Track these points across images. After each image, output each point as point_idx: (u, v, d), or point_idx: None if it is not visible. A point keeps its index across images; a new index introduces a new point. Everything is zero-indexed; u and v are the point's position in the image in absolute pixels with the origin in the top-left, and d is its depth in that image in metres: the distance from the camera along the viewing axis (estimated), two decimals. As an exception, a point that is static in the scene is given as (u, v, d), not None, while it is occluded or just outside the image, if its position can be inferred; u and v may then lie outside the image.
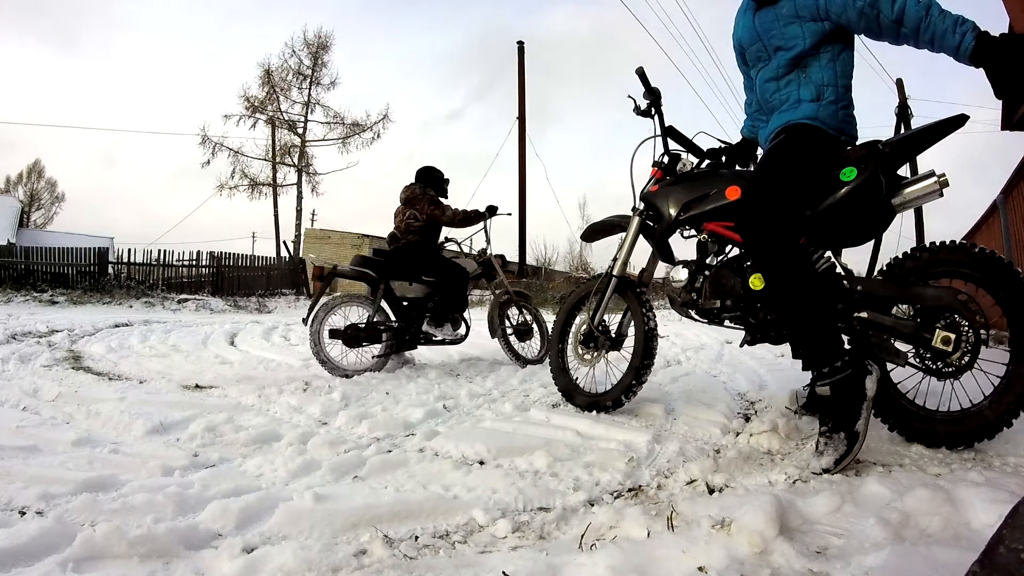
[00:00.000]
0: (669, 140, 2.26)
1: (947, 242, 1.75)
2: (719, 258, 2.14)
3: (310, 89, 20.41)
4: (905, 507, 1.28)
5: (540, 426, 2.24)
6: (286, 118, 20.25)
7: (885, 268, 1.83)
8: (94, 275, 11.93)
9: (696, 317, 2.14)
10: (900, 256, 1.81)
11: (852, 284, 1.80)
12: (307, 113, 20.48)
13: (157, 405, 2.55)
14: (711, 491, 1.55)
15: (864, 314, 1.76)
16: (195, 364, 3.93)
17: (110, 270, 12.32)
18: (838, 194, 1.78)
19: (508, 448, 1.92)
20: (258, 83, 20.02)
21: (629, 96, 2.25)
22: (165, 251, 12.93)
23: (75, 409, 2.45)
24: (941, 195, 1.74)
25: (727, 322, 2.09)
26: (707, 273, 2.11)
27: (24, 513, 1.39)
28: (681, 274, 2.26)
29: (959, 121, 1.71)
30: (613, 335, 2.44)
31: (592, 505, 1.49)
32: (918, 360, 1.72)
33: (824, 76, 1.81)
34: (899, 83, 10.09)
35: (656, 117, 2.25)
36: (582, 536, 1.27)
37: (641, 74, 2.21)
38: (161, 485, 1.54)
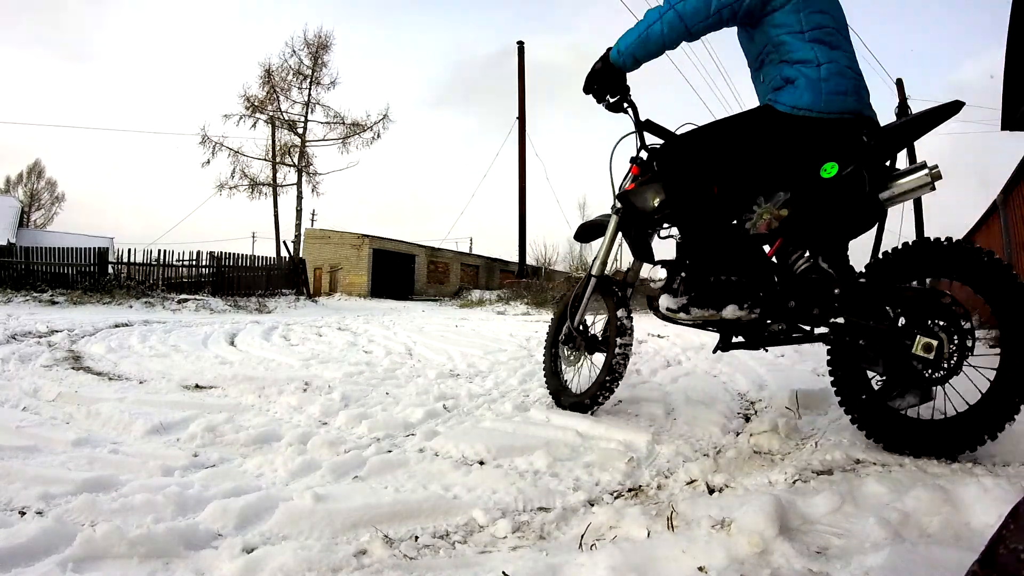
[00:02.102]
0: (647, 134, 2.10)
1: (932, 239, 1.63)
2: None
3: (310, 89, 20.43)
4: (905, 507, 1.28)
5: (540, 426, 2.24)
6: (286, 118, 20.26)
7: (867, 268, 1.71)
8: (94, 275, 11.93)
9: (673, 320, 2.00)
10: (885, 254, 1.70)
11: (832, 287, 1.65)
12: (307, 113, 20.49)
13: (157, 405, 2.55)
14: (711, 491, 1.55)
15: (840, 320, 1.66)
16: (195, 364, 3.93)
17: (110, 270, 12.32)
18: (817, 191, 1.64)
19: (508, 448, 1.92)
20: (258, 83, 20.06)
21: (590, 88, 2.03)
22: (165, 251, 12.94)
23: (75, 409, 2.45)
24: (933, 188, 1.61)
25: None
26: (684, 274, 1.94)
27: (24, 513, 1.39)
28: (660, 274, 2.12)
29: (955, 107, 1.60)
30: (598, 336, 2.39)
31: (592, 505, 1.49)
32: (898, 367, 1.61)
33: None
34: (899, 83, 10.09)
35: (630, 111, 2.07)
36: (582, 536, 1.27)
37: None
38: (161, 485, 1.54)
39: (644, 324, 6.84)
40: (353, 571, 1.15)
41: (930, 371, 1.55)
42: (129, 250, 12.68)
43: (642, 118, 2.08)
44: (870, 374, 1.75)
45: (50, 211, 39.14)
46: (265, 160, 20.20)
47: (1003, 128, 5.92)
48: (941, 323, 1.53)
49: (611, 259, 2.34)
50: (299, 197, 20.53)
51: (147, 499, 1.43)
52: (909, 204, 9.49)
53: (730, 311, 1.75)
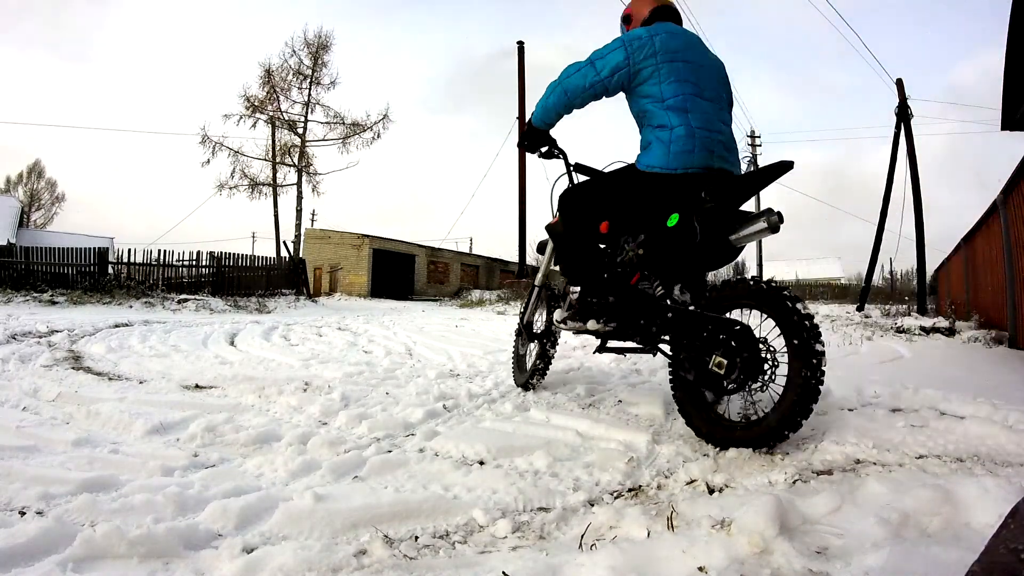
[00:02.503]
0: (575, 174, 2.46)
1: (737, 277, 2.00)
2: None
3: (310, 89, 20.42)
4: (905, 507, 1.28)
5: (540, 426, 2.24)
6: (286, 118, 20.25)
7: (702, 298, 2.03)
8: (94, 275, 11.93)
9: (561, 328, 2.51)
10: (713, 287, 2.04)
11: (665, 312, 2.03)
12: (307, 113, 20.49)
13: (157, 405, 2.55)
14: (711, 491, 1.55)
15: (666, 337, 2.09)
16: (195, 364, 3.93)
17: (110, 270, 12.32)
18: (664, 236, 1.96)
19: (508, 448, 1.92)
20: (258, 83, 20.04)
21: (523, 144, 2.39)
22: (165, 251, 12.93)
23: (75, 409, 2.45)
24: (776, 231, 1.82)
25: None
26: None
27: (24, 513, 1.39)
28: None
29: (785, 167, 1.82)
30: (537, 331, 2.92)
31: (592, 505, 1.49)
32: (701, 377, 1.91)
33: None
34: (899, 83, 10.08)
35: (560, 157, 2.44)
36: (582, 536, 1.27)
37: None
38: (161, 485, 1.54)
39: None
40: (353, 571, 1.15)
41: (726, 382, 1.83)
42: (129, 250, 12.69)
43: (572, 161, 2.47)
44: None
45: (50, 211, 39.17)
46: (265, 160, 20.20)
47: (1003, 128, 5.92)
48: (734, 346, 1.81)
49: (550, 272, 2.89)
50: (299, 197, 20.52)
51: (147, 499, 1.43)
52: (909, 204, 9.50)
53: (592, 324, 2.19)
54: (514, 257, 20.90)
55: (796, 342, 1.73)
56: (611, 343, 2.36)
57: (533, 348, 2.91)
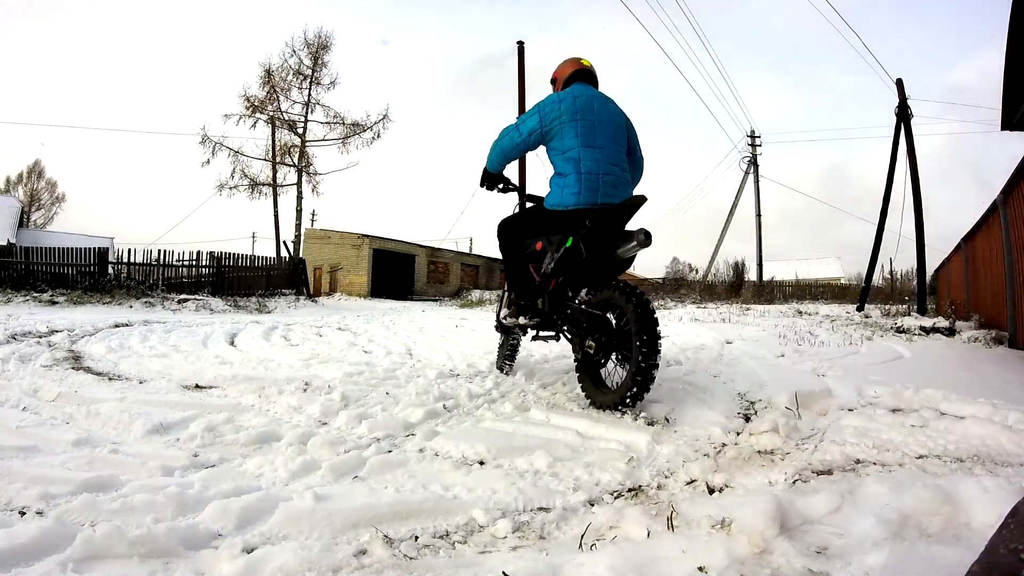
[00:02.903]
0: (527, 202, 3.09)
1: (616, 282, 2.46)
2: None
3: (310, 89, 20.41)
4: (905, 507, 1.28)
5: (540, 426, 2.24)
6: (286, 118, 20.24)
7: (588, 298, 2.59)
8: (94, 275, 11.92)
9: (501, 323, 3.25)
10: (598, 289, 2.53)
11: (566, 310, 2.68)
12: (307, 113, 20.47)
13: (157, 405, 2.55)
14: (711, 491, 1.55)
15: (562, 319, 2.73)
16: (195, 364, 3.93)
17: (110, 270, 12.32)
18: (565, 254, 2.53)
19: (508, 448, 1.92)
20: (258, 83, 20.02)
21: (482, 184, 2.95)
22: (165, 251, 12.93)
23: (75, 409, 2.45)
24: (646, 246, 2.35)
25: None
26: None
27: (24, 513, 1.39)
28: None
29: (640, 201, 2.46)
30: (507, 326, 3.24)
31: (592, 505, 1.49)
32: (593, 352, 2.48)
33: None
34: (899, 83, 10.08)
35: (514, 189, 3.04)
36: (582, 536, 1.27)
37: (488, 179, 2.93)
38: (161, 485, 1.54)
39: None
40: (353, 571, 1.15)
41: (595, 358, 2.47)
42: (129, 250, 12.68)
43: (526, 191, 3.15)
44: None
45: (50, 211, 39.15)
46: (265, 160, 20.19)
47: (1003, 128, 5.91)
48: (599, 333, 2.44)
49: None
50: (299, 197, 20.50)
51: (147, 499, 1.43)
52: (909, 205, 9.51)
53: (522, 320, 2.81)
54: (514, 257, 20.90)
55: (639, 331, 2.21)
56: (542, 332, 2.98)
57: (509, 339, 3.47)
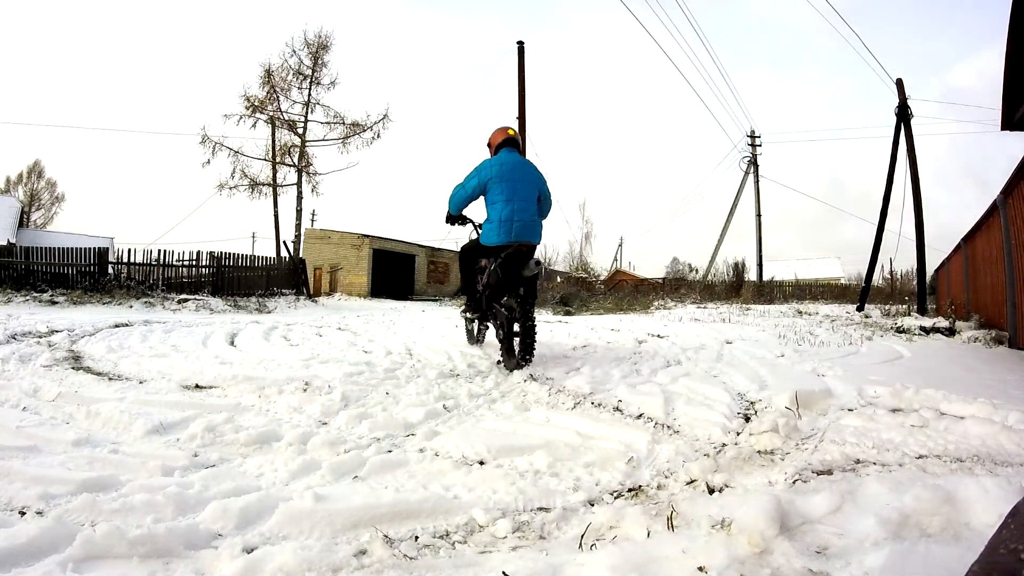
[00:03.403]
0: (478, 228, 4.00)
1: (519, 291, 3.61)
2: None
3: (310, 89, 20.39)
4: (905, 507, 1.28)
5: (540, 426, 2.24)
6: (286, 118, 20.22)
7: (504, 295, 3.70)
8: (94, 275, 11.92)
9: (463, 317, 4.32)
10: (508, 297, 3.62)
11: (491, 306, 3.81)
12: (307, 113, 20.46)
13: (157, 405, 2.55)
14: (711, 491, 1.55)
15: (492, 313, 3.84)
16: (195, 364, 3.93)
17: (110, 270, 12.31)
18: (489, 273, 3.64)
19: (508, 448, 1.92)
20: (258, 83, 20.00)
21: (447, 222, 3.96)
22: (165, 251, 12.90)
23: (75, 409, 2.45)
24: (539, 271, 3.50)
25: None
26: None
27: (24, 513, 1.39)
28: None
29: (533, 246, 3.56)
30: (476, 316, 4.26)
31: (592, 505, 1.49)
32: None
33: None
34: (899, 83, 10.07)
35: (470, 223, 3.99)
36: (582, 536, 1.27)
37: (451, 220, 3.91)
38: (161, 485, 1.54)
39: (643, 325, 6.84)
40: (353, 571, 1.15)
41: (504, 338, 3.56)
42: (129, 250, 12.66)
43: (477, 222, 3.96)
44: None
45: (50, 211, 39.08)
46: (265, 160, 20.17)
47: (1003, 128, 5.91)
48: (506, 315, 3.56)
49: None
50: (299, 197, 20.49)
51: (147, 499, 1.43)
52: (909, 205, 9.51)
53: (468, 315, 4.12)
54: (514, 257, 20.91)
55: (522, 323, 3.41)
56: (482, 322, 4.31)
57: (476, 325, 4.54)
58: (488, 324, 4.41)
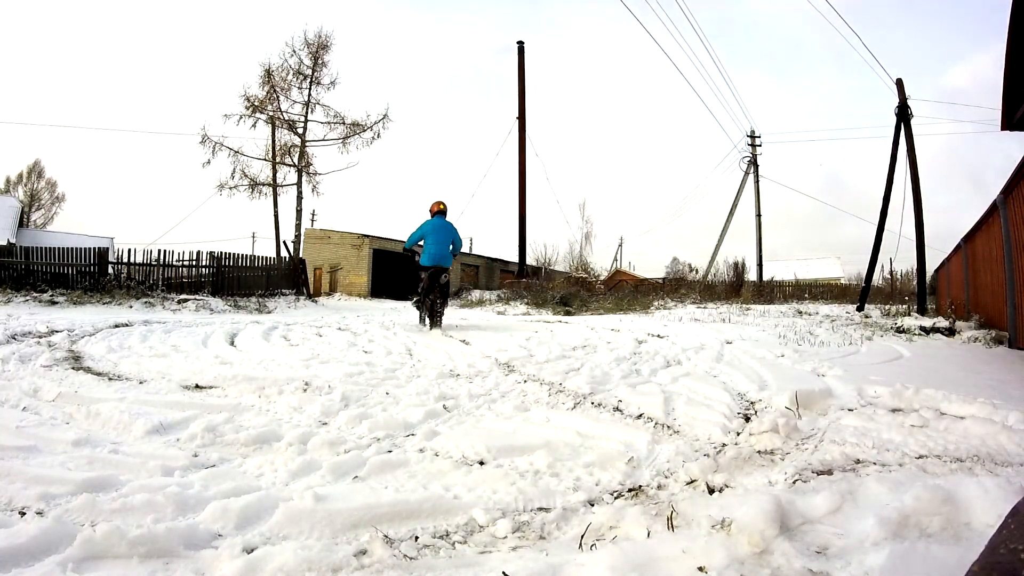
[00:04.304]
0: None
1: (438, 288, 6.47)
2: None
3: (310, 89, 20.37)
4: (905, 507, 1.28)
5: (540, 426, 2.24)
6: (286, 118, 20.21)
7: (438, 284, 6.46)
8: (94, 275, 11.91)
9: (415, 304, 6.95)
10: (434, 292, 6.33)
11: (426, 298, 6.41)
12: (307, 113, 20.43)
13: (157, 405, 2.55)
14: (711, 491, 1.55)
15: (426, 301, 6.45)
16: (195, 364, 3.93)
17: (110, 270, 12.30)
18: (424, 280, 6.33)
19: (508, 448, 1.92)
20: (258, 83, 19.98)
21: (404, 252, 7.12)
22: (165, 251, 12.89)
23: (75, 409, 2.45)
24: (448, 281, 6.42)
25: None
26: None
27: (24, 513, 1.39)
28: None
29: (447, 267, 6.39)
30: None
31: (592, 505, 1.49)
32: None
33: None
34: (899, 83, 10.07)
35: (416, 255, 6.73)
36: (582, 536, 1.27)
37: (409, 252, 6.91)
38: (161, 485, 1.54)
39: (643, 325, 6.83)
40: (353, 571, 1.15)
41: (430, 314, 6.38)
42: (129, 250, 12.65)
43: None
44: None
45: (50, 211, 39.01)
46: (265, 160, 20.15)
47: (1003, 128, 5.91)
48: (430, 303, 6.36)
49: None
50: (299, 197, 20.47)
51: (147, 499, 1.43)
52: (909, 206, 9.51)
53: (416, 305, 6.85)
54: (514, 257, 20.89)
55: (438, 306, 6.26)
56: (422, 309, 6.54)
57: (420, 310, 6.72)
58: (426, 311, 6.94)
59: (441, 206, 6.56)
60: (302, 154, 20.41)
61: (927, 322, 6.16)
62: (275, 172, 20.14)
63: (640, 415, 2.39)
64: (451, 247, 6.47)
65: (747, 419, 2.32)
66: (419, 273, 6.49)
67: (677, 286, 20.25)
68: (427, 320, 6.49)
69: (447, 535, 1.33)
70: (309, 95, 20.35)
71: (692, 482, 1.61)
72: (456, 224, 6.62)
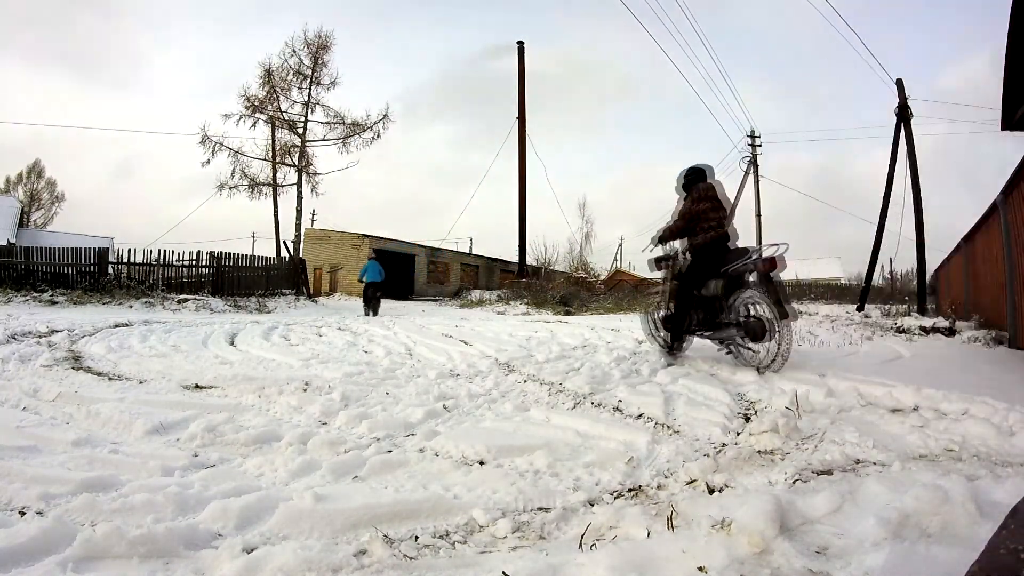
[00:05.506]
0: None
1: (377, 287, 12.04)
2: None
3: (310, 89, 20.37)
4: (905, 507, 1.28)
5: (540, 426, 2.24)
6: (286, 118, 20.21)
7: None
8: (94, 275, 11.91)
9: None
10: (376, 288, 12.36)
11: (369, 299, 12.63)
12: (307, 113, 20.44)
13: (157, 405, 2.55)
14: (711, 491, 1.55)
15: (371, 301, 12.89)
16: (195, 364, 3.93)
17: (110, 270, 12.30)
18: (366, 292, 12.40)
19: (508, 448, 1.92)
20: (258, 83, 19.98)
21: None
22: (165, 251, 12.91)
23: (75, 409, 2.45)
24: (380, 282, 12.17)
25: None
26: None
27: (24, 513, 1.39)
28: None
29: (384, 285, 12.42)
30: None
31: (592, 505, 1.49)
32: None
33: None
34: (899, 83, 10.07)
35: (362, 280, 12.48)
36: (582, 536, 1.27)
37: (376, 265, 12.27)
38: (161, 485, 1.54)
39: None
40: (353, 571, 1.15)
41: (372, 307, 12.28)
42: (129, 250, 12.66)
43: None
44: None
45: (50, 211, 38.99)
46: (265, 160, 20.16)
47: (1003, 128, 5.90)
48: (370, 302, 12.54)
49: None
50: (299, 197, 20.47)
51: (147, 499, 1.43)
52: (909, 205, 9.51)
53: (364, 306, 12.76)
54: (514, 257, 20.89)
55: (375, 303, 11.61)
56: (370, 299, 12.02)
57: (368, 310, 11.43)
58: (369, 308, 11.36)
59: (372, 256, 12.37)
60: (302, 154, 20.41)
61: (927, 322, 6.15)
62: (275, 172, 20.14)
63: (640, 415, 2.39)
64: (380, 275, 11.65)
65: (747, 419, 2.32)
66: (365, 289, 11.76)
67: (677, 286, 20.19)
68: (370, 312, 11.04)
69: (447, 535, 1.33)
70: (309, 95, 20.35)
71: (692, 482, 1.61)
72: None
